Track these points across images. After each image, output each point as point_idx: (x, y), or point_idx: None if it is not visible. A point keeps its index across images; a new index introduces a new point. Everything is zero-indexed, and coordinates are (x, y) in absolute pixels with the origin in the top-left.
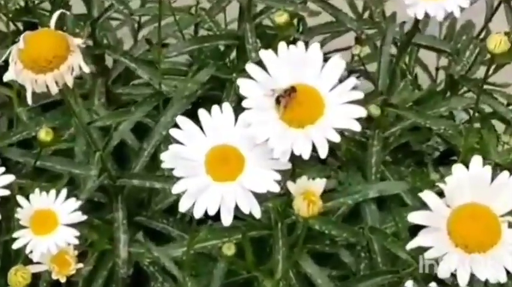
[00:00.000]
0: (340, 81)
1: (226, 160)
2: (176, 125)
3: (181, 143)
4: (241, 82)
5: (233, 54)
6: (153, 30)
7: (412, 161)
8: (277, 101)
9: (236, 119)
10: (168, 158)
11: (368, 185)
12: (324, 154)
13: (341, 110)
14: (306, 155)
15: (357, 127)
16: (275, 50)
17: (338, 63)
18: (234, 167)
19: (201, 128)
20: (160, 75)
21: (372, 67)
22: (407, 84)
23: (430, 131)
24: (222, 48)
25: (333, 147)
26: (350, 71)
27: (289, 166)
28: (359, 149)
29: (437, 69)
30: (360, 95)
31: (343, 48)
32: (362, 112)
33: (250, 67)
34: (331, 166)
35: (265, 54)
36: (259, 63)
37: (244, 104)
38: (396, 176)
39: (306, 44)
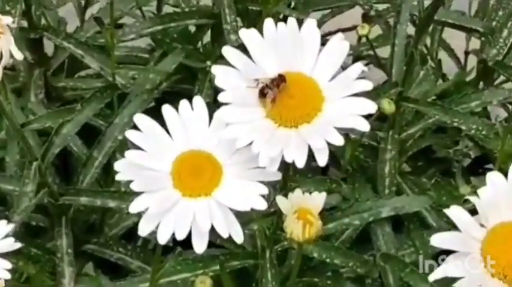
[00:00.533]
0: (343, 68)
1: (199, 170)
2: (134, 126)
3: (140, 149)
4: (216, 71)
5: (207, 37)
6: (105, 7)
7: (436, 170)
8: (263, 93)
9: (211, 118)
10: (124, 168)
11: (380, 201)
12: (324, 162)
13: (344, 105)
14: (301, 163)
15: (364, 127)
16: (260, 30)
17: (340, 46)
18: (208, 179)
19: (167, 129)
20: (114, 64)
21: (383, 51)
22: (428, 73)
23: (458, 131)
24: (192, 29)
25: (335, 152)
26: (356, 57)
27: (279, 176)
28: (368, 155)
29: (466, 53)
30: (368, 85)
31: (347, 28)
32: (371, 108)
33: (228, 51)
34: (333, 176)
35: (247, 35)
36: (240, 46)
37: (220, 98)
38: (416, 189)
39: (300, 23)
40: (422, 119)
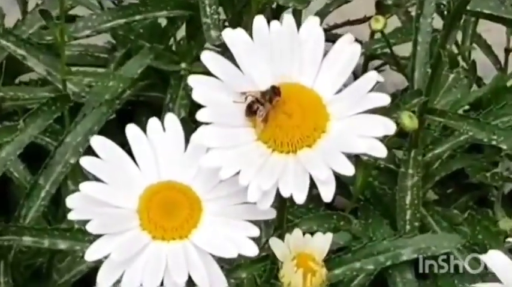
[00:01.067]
0: (354, 76)
1: (173, 206)
2: (91, 150)
3: (99, 180)
4: (193, 82)
5: (181, 32)
6: None
7: (470, 199)
8: (252, 110)
9: (187, 140)
10: (78, 204)
11: (400, 240)
12: (329, 197)
13: (355, 125)
14: (301, 198)
15: (381, 152)
16: (248, 26)
17: (350, 50)
18: (184, 218)
19: (132, 154)
20: (65, 67)
21: (403, 49)
22: (459, 77)
23: (497, 151)
24: (163, 23)
25: (342, 178)
26: (368, 57)
27: (273, 214)
28: (385, 181)
29: (507, 51)
30: (384, 100)
31: (357, 20)
32: (390, 128)
33: (208, 58)
34: (341, 209)
35: (232, 37)
36: (223, 46)
37: (200, 116)
38: (445, 224)
39: (297, 16)
40: (452, 136)
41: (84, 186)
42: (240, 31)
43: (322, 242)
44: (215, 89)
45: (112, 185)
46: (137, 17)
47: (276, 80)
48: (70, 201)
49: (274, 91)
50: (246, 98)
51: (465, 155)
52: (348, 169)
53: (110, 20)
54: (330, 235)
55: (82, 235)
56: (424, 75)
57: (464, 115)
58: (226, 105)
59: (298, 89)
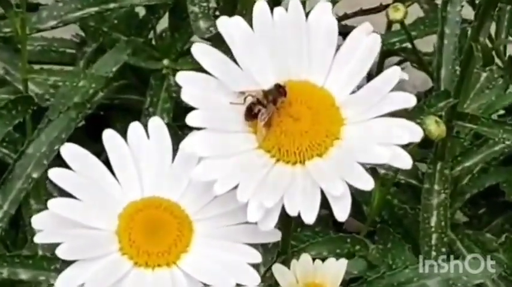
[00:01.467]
0: (369, 76)
1: (158, 227)
2: (59, 161)
3: (70, 196)
4: (182, 79)
5: (163, 24)
6: None
7: (506, 221)
8: (253, 113)
9: (175, 149)
10: (46, 224)
11: (425, 268)
12: (344, 216)
13: (374, 130)
14: (310, 218)
15: (405, 162)
16: (245, 15)
17: (368, 42)
18: (172, 240)
19: (110, 166)
20: (26, 64)
21: (426, 44)
22: (493, 77)
23: None
24: (141, 12)
25: (355, 197)
26: (385, 52)
27: (277, 236)
28: (406, 199)
29: None
30: (409, 101)
31: (371, 9)
32: (416, 134)
33: (198, 49)
34: (355, 232)
35: (229, 24)
36: (215, 39)
37: (190, 120)
38: (477, 250)
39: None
40: (485, 146)
41: (53, 203)
42: (237, 19)
43: (335, 270)
44: (208, 88)
45: (86, 202)
46: (111, 5)
47: (281, 78)
48: (36, 221)
49: (279, 90)
50: (245, 99)
51: (500, 168)
52: (366, 183)
53: (79, 9)
54: (344, 262)
55: (47, 262)
56: (452, 74)
57: (500, 121)
58: (221, 108)
59: (306, 88)
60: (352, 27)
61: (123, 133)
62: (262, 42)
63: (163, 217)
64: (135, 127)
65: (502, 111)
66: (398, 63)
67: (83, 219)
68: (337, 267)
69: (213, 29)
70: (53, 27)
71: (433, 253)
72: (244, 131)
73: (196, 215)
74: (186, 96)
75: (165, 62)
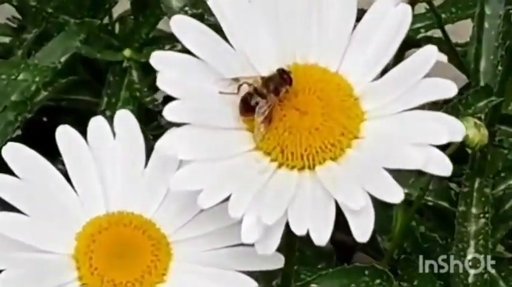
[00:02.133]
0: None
1: (127, 250)
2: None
3: (16, 210)
4: (158, 61)
5: (121, 7)
6: None
7: None
8: (249, 105)
9: (149, 152)
10: None
11: None
12: (366, 235)
13: (404, 127)
14: (323, 236)
15: (444, 167)
16: None
17: (396, 12)
18: (145, 267)
19: (65, 173)
20: None
21: (459, 32)
22: None
23: None
24: None
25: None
26: (405, 42)
27: (279, 263)
28: (435, 226)
29: None
30: (449, 88)
31: None
32: (457, 131)
33: (178, 22)
34: (376, 259)
35: None
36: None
37: (168, 113)
38: None
39: None
40: None
41: None
42: None
43: None
44: (191, 72)
45: (36, 218)
46: None
47: (284, 60)
48: None
49: (283, 77)
50: (239, 88)
51: None
52: (395, 195)
53: None
54: None
55: None
56: (494, 66)
57: None
58: (208, 98)
59: (316, 73)
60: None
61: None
62: (260, 14)
63: (134, 238)
64: (97, 123)
65: None
66: None
67: (32, 240)
68: None
69: (188, 8)
70: None
71: None
72: (237, 128)
73: (175, 235)
74: (162, 83)
75: (127, 52)
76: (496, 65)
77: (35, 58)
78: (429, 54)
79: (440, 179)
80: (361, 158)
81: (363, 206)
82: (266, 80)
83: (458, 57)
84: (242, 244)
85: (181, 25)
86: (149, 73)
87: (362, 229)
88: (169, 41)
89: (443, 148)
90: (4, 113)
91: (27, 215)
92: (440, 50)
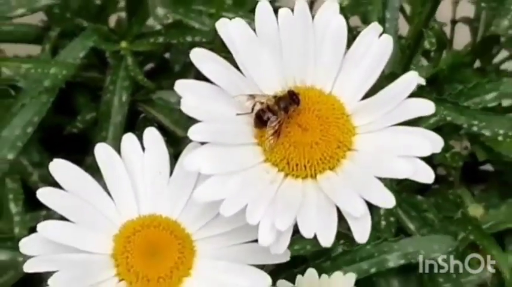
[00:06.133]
0: None
1: (158, 248)
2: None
3: (63, 218)
4: (182, 88)
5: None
6: None
7: None
8: (261, 119)
9: (173, 162)
10: (35, 250)
11: (385, 244)
12: (364, 237)
13: (392, 140)
14: (328, 238)
15: (428, 175)
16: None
17: (380, 44)
18: (173, 263)
19: (103, 182)
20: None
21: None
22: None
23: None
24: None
25: None
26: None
27: (287, 255)
28: None
29: (453, 22)
30: (428, 107)
31: None
32: (437, 143)
33: (197, 54)
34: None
35: (228, 27)
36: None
37: (192, 134)
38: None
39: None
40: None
41: (43, 227)
42: (238, 21)
43: (342, 285)
44: (209, 97)
45: (79, 224)
46: None
47: (286, 84)
48: (24, 246)
49: (292, 97)
50: (252, 108)
51: None
52: (387, 200)
53: None
54: (352, 276)
55: None
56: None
57: (442, 98)
58: (224, 119)
59: (314, 94)
60: None
61: (86, 106)
62: (266, 46)
63: (163, 238)
64: (129, 139)
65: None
66: None
67: (77, 243)
68: (344, 282)
69: (169, 15)
70: (22, 15)
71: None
72: (249, 143)
73: (198, 234)
74: (186, 108)
75: (123, 44)
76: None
77: (61, 55)
78: (411, 80)
79: None
80: (355, 168)
81: (361, 212)
82: (278, 99)
83: None
84: (255, 240)
85: (199, 56)
86: (138, 57)
87: (361, 232)
88: (153, 36)
89: None
90: (40, 97)
91: (72, 221)
92: None
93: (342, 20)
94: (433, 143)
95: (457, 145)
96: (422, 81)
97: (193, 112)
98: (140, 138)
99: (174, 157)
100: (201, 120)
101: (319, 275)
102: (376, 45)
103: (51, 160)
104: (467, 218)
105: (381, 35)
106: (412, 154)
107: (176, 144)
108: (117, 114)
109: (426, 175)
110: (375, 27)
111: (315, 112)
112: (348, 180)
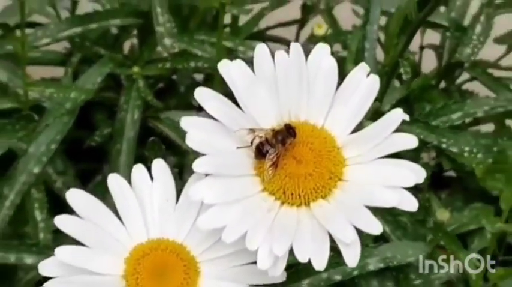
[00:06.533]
0: None
1: (165, 270)
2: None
3: (79, 243)
4: (187, 125)
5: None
6: (12, 4)
7: None
8: (261, 151)
9: (179, 189)
10: (53, 271)
11: (366, 249)
12: (354, 261)
13: (379, 172)
14: (321, 262)
15: (411, 204)
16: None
17: (368, 84)
18: (179, 283)
19: (114, 209)
20: (26, 77)
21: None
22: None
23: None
24: (114, 31)
25: None
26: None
27: (283, 276)
28: None
29: (421, 48)
30: (411, 141)
31: (288, 23)
32: (420, 175)
33: (201, 93)
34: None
35: (229, 68)
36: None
37: (197, 166)
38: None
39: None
40: None
41: (61, 251)
42: (238, 62)
43: None
44: (212, 131)
45: (93, 248)
46: (92, 26)
47: (282, 119)
48: (43, 268)
49: (289, 131)
50: (252, 141)
51: None
52: (374, 227)
53: (67, 29)
54: None
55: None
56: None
57: (415, 119)
58: (226, 152)
59: (307, 129)
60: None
61: (103, 122)
62: (263, 84)
63: (170, 260)
64: (139, 170)
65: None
66: None
67: (91, 266)
68: None
69: (175, 44)
70: (47, 44)
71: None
72: (248, 174)
73: (202, 256)
74: (191, 142)
75: (135, 69)
76: None
77: (80, 80)
78: (396, 117)
79: None
80: (346, 197)
81: (351, 238)
82: (275, 133)
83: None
84: (255, 262)
85: (202, 95)
86: (149, 79)
87: (352, 256)
88: (161, 61)
89: None
90: (62, 117)
91: (87, 245)
92: None
93: (332, 61)
94: (417, 174)
95: (425, 155)
96: (407, 117)
97: (198, 146)
98: (150, 159)
99: (178, 167)
100: (205, 153)
101: None
102: (364, 84)
103: (74, 169)
104: (438, 226)
105: (368, 74)
106: (397, 185)
107: (181, 155)
108: (130, 130)
109: (410, 204)
110: (362, 67)
111: (308, 145)
112: (339, 208)
